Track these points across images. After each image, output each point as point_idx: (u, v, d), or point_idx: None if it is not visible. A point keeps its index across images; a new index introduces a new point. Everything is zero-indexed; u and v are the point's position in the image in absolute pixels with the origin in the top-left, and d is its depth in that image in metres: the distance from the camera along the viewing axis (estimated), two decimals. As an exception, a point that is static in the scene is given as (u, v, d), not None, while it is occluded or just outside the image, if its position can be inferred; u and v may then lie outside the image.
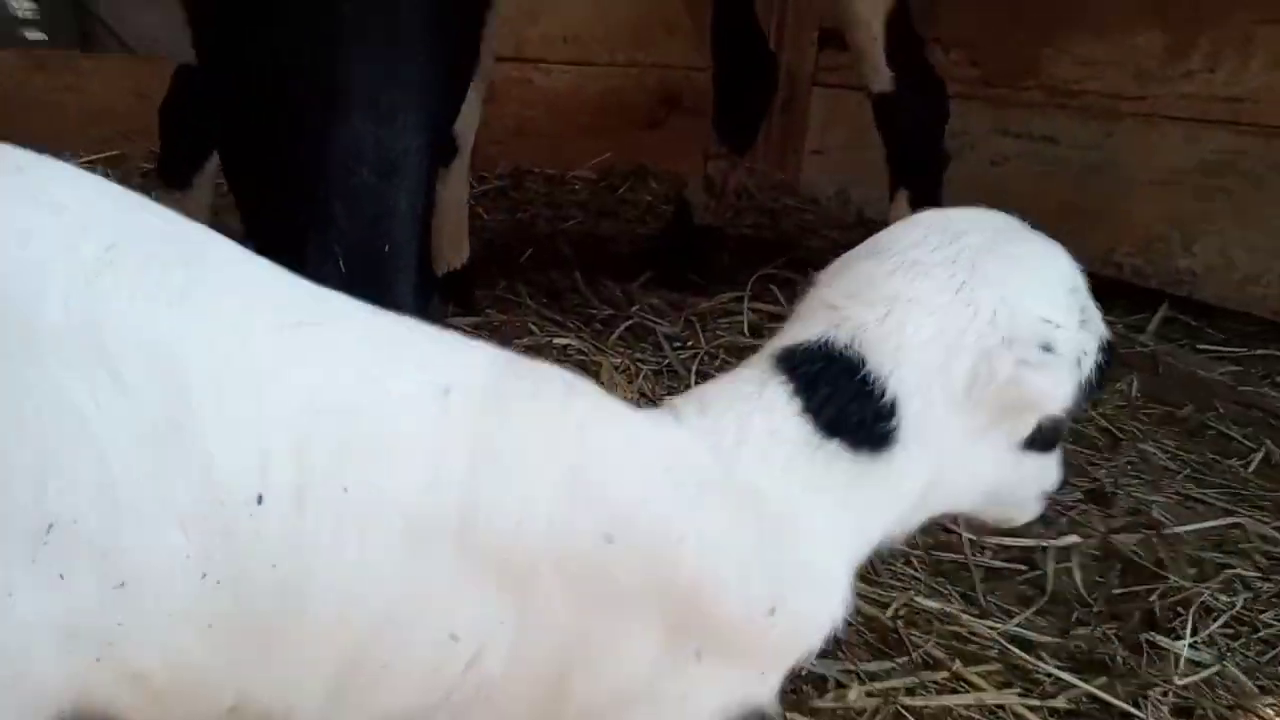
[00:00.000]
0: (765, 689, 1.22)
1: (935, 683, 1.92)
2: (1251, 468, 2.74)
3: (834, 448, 1.17)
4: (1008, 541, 2.32)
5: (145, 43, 4.83)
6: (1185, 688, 1.90)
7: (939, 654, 1.96)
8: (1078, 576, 2.21)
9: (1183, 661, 1.96)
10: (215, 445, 0.95)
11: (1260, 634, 2.08)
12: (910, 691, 1.86)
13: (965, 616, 2.07)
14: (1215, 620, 2.08)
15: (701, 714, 1.19)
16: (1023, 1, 4.11)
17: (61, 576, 0.92)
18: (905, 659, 1.93)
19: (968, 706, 1.85)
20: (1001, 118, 4.03)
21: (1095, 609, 2.14)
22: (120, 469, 0.92)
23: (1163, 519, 2.44)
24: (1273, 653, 2.03)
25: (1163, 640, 2.02)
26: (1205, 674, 1.94)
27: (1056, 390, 1.18)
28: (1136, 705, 1.85)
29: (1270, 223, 3.50)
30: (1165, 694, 1.89)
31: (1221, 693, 1.92)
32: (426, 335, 1.15)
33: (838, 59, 4.80)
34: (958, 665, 1.93)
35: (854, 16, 3.09)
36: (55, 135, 3.62)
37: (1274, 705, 1.90)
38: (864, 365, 1.17)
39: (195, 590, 0.95)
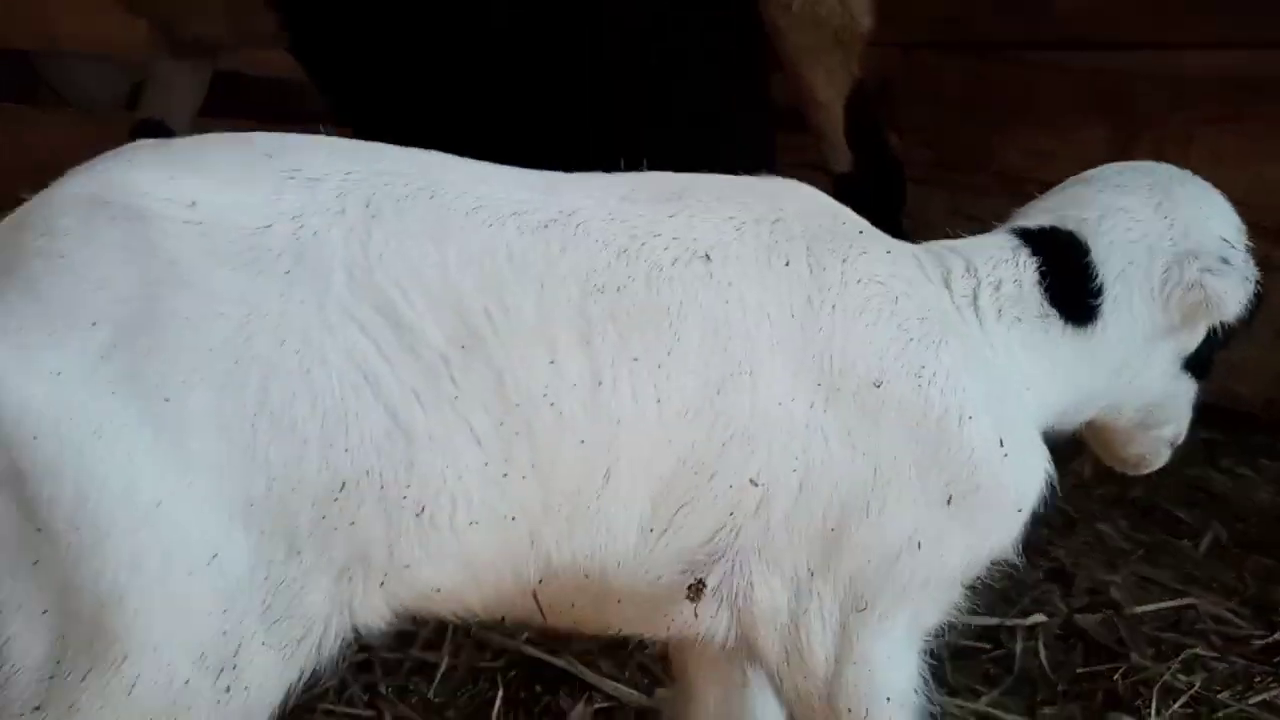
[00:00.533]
0: (1008, 537, 1.34)
1: (910, 762, 1.92)
2: (1202, 549, 2.81)
3: (1053, 315, 1.39)
4: (974, 620, 2.34)
5: (86, 100, 4.80)
6: (1152, 769, 1.93)
7: (912, 733, 1.96)
8: (1043, 655, 2.24)
9: (1149, 743, 1.99)
10: (503, 358, 1.04)
11: (1218, 714, 2.11)
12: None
13: (937, 696, 2.08)
14: (1176, 701, 2.12)
15: (954, 563, 1.30)
16: (976, 93, 4.28)
17: (352, 523, 1.00)
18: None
19: (942, 787, 1.85)
20: (956, 202, 4.16)
21: (1060, 688, 2.17)
22: (411, 412, 1.01)
23: (1121, 599, 2.49)
24: (1233, 733, 2.07)
25: (1127, 720, 2.05)
26: (1171, 755, 1.97)
27: (1231, 295, 1.42)
28: (1106, 786, 1.88)
29: (1210, 311, 3.64)
30: (1133, 775, 1.92)
31: (1186, 773, 1.95)
32: (667, 206, 1.24)
33: (795, 138, 4.93)
34: (932, 745, 1.93)
35: (815, 99, 3.19)
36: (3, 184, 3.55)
37: (1237, 786, 1.94)
38: (1087, 250, 1.42)
39: (498, 491, 1.04)
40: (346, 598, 1.04)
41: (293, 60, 2.95)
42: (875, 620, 1.25)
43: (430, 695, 2.02)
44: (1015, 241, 1.44)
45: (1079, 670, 2.22)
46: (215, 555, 0.97)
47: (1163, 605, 2.47)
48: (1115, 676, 2.18)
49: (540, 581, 1.13)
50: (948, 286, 1.37)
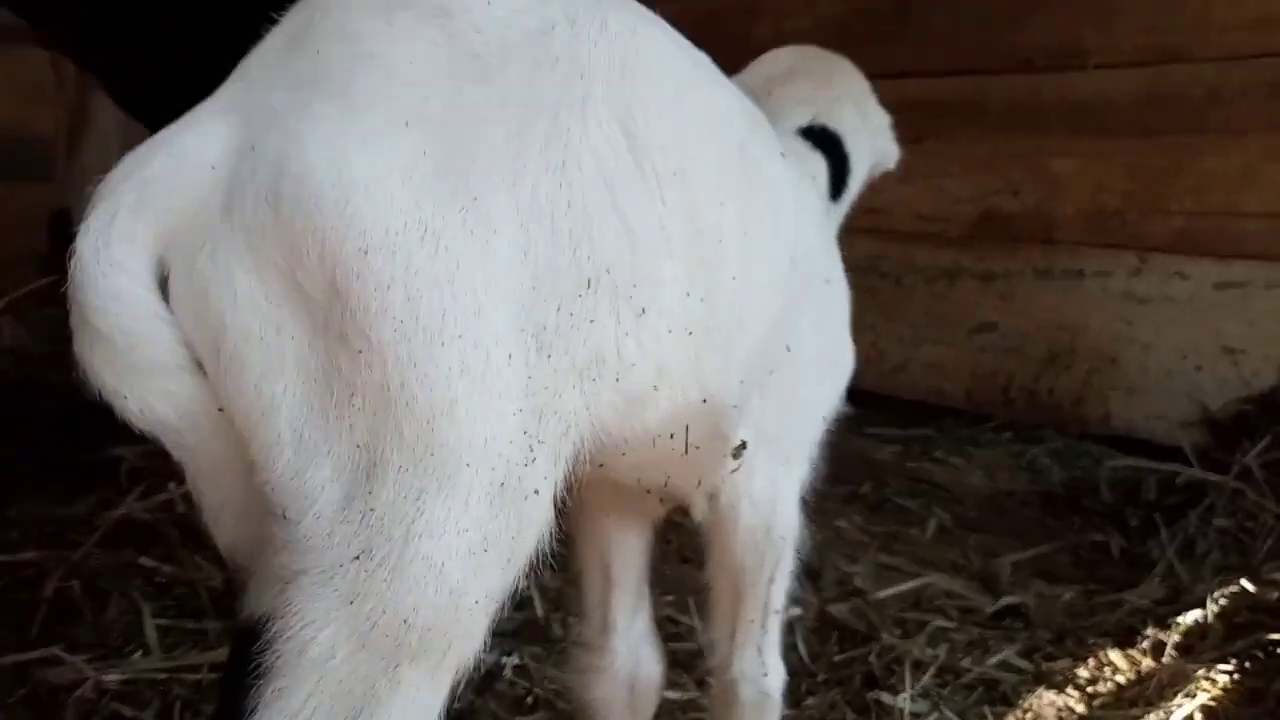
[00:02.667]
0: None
1: (685, 771, 1.90)
2: (929, 534, 3.00)
3: (827, 199, 1.80)
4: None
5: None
6: (911, 739, 2.00)
7: (685, 740, 1.94)
8: (801, 648, 2.29)
9: (906, 715, 2.07)
10: (695, 189, 1.15)
11: (962, 679, 2.24)
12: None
13: (703, 700, 2.07)
14: (926, 672, 2.22)
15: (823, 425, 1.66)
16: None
17: (591, 321, 1.05)
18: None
19: (719, 791, 1.83)
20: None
21: (820, 677, 2.21)
22: (637, 218, 1.08)
23: (865, 586, 2.59)
24: (975, 694, 2.19)
25: (885, 697, 2.12)
26: (927, 723, 2.05)
27: (896, 152, 2.03)
28: (874, 763, 1.92)
29: (909, 317, 3.95)
30: (895, 748, 1.98)
31: (941, 738, 2.04)
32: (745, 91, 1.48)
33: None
34: (707, 749, 1.91)
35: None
36: None
37: (985, 745, 2.05)
38: (841, 142, 1.81)
39: (682, 306, 1.15)
40: (590, 395, 1.08)
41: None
42: (790, 468, 1.54)
43: None
44: (807, 145, 1.74)
45: (836, 658, 2.28)
46: (510, 355, 0.98)
47: (903, 588, 2.60)
48: (870, 658, 2.26)
49: (704, 401, 1.23)
50: None
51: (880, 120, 1.89)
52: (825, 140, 1.75)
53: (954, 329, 3.77)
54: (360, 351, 0.92)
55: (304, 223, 0.92)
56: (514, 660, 2.16)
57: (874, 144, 1.86)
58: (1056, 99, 3.68)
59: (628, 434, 1.18)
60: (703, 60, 1.33)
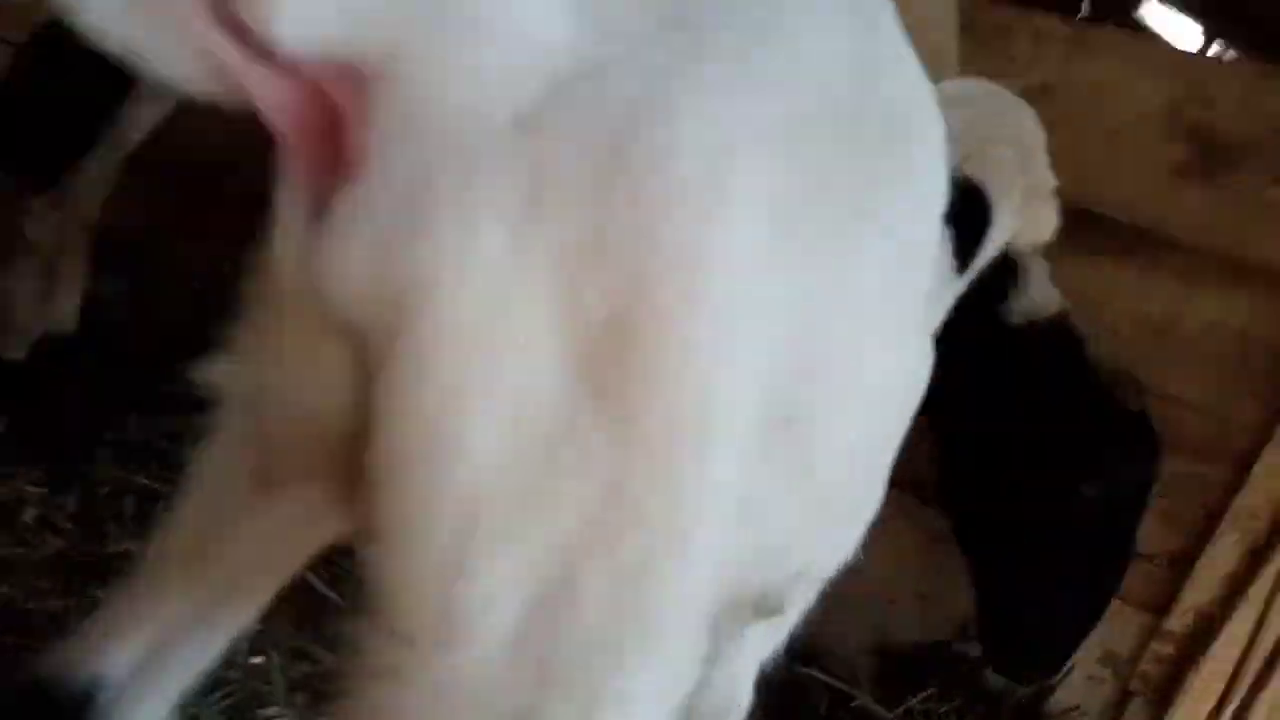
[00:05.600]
0: None
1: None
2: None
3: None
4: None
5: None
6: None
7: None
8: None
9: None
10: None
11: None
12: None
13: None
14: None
15: None
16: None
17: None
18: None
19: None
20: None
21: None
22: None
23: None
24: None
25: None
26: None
27: None
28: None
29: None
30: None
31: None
32: None
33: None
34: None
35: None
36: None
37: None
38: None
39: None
40: (740, 544, 0.91)
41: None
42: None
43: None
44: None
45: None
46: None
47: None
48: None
49: (797, 574, 1.17)
50: None
51: (1044, 181, 1.49)
52: (966, 195, 1.33)
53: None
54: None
55: (641, 204, 0.63)
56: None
57: (1027, 209, 1.47)
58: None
59: None
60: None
